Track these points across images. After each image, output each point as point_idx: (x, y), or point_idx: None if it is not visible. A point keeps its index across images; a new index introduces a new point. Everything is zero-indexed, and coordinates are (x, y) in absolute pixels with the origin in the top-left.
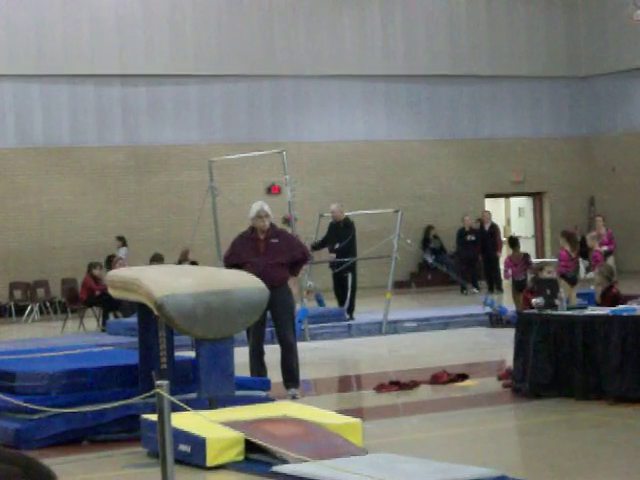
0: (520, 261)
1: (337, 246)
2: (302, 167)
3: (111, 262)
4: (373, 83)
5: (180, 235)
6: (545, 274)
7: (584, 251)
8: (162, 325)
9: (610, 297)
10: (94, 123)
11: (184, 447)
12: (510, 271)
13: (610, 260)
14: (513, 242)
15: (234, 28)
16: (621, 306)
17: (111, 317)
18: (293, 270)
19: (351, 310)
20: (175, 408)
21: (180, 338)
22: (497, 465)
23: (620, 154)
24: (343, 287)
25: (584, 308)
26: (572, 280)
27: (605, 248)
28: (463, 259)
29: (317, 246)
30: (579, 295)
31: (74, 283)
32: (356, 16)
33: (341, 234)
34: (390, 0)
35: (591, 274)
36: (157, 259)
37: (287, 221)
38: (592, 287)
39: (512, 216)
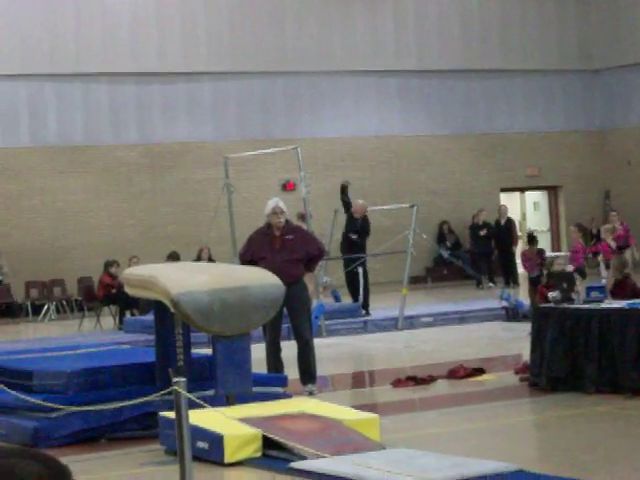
0: (534, 256)
1: (354, 237)
2: (317, 163)
3: None
4: (386, 79)
5: (195, 232)
6: (556, 267)
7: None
8: (178, 322)
9: (627, 289)
10: (108, 122)
11: (202, 444)
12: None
13: (627, 253)
14: (530, 238)
15: (247, 25)
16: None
17: (128, 315)
18: (309, 266)
19: (366, 306)
20: (192, 405)
21: (197, 335)
22: (514, 459)
23: (635, 147)
24: (355, 284)
25: (600, 301)
26: (582, 273)
27: (613, 244)
28: (476, 254)
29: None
30: (594, 289)
31: (90, 281)
32: (368, 12)
33: (359, 229)
34: None
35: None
36: (173, 257)
37: (302, 217)
38: (603, 280)
39: (527, 210)
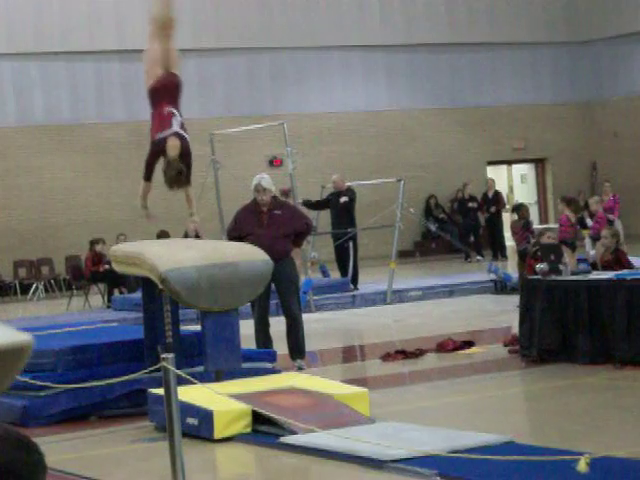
0: (520, 229)
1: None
2: (303, 139)
3: None
4: (372, 53)
5: (183, 209)
6: (545, 239)
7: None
8: (167, 299)
9: (620, 259)
10: (94, 100)
11: (192, 420)
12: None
13: (616, 224)
14: (513, 209)
15: (231, 1)
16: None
17: (116, 293)
18: (296, 241)
19: (355, 280)
20: (182, 381)
21: (185, 312)
22: (505, 431)
23: (622, 119)
24: (344, 258)
25: (588, 273)
26: (572, 246)
27: (611, 216)
28: (463, 227)
29: (309, 205)
30: (581, 260)
31: (78, 260)
32: None
33: (343, 203)
34: None
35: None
36: (163, 236)
37: (285, 193)
38: (592, 252)
39: (515, 183)
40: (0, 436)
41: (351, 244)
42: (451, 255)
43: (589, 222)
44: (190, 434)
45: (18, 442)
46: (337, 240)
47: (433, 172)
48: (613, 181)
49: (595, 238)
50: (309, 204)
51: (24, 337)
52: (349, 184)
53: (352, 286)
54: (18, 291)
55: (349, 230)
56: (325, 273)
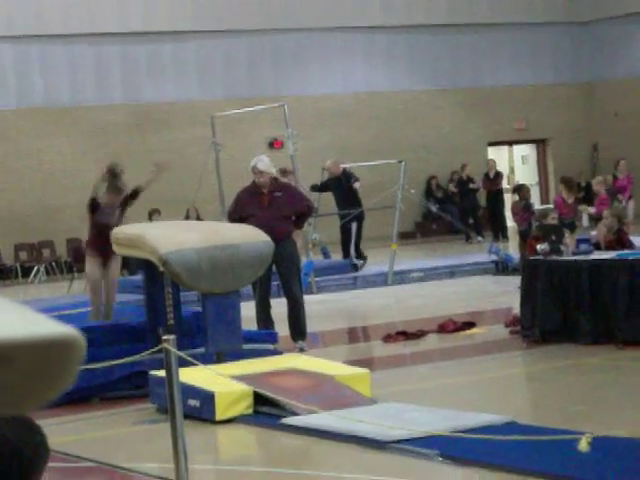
0: (520, 210)
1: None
2: (304, 121)
3: None
4: (373, 35)
5: (184, 192)
6: (550, 220)
7: (588, 197)
8: (168, 281)
9: (622, 239)
10: (94, 82)
11: (193, 402)
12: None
13: (630, 204)
14: (514, 190)
15: None
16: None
17: None
18: (297, 223)
19: (359, 255)
20: (183, 363)
21: (186, 293)
22: (506, 411)
23: (622, 99)
24: (347, 239)
25: (589, 253)
26: (571, 226)
27: (620, 196)
28: (462, 208)
29: (316, 189)
30: (583, 241)
31: (79, 243)
32: None
33: (344, 186)
34: None
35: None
36: (155, 213)
37: (284, 173)
38: (593, 232)
39: (516, 164)
40: (3, 417)
41: (354, 225)
42: (452, 236)
43: (591, 209)
44: (192, 416)
45: (21, 423)
46: (342, 221)
47: (434, 153)
48: (614, 161)
49: (597, 219)
50: (316, 188)
51: (60, 330)
52: (348, 165)
53: (358, 261)
54: (19, 274)
55: (351, 211)
56: (326, 255)
